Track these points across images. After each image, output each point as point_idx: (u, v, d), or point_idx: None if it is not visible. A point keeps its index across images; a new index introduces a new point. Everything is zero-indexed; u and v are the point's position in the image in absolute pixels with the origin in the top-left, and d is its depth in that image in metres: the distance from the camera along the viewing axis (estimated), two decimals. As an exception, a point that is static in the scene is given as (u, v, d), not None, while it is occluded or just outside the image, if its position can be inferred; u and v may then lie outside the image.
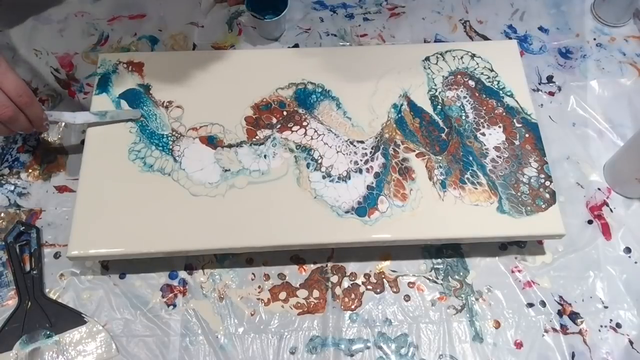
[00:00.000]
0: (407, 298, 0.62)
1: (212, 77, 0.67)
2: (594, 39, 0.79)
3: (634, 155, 0.63)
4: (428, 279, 0.63)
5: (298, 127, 0.64)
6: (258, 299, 0.61)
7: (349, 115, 0.65)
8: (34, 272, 0.61)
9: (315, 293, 0.62)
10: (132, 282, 0.62)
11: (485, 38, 0.78)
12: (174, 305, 0.61)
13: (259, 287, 0.62)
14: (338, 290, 0.62)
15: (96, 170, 0.61)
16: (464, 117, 0.65)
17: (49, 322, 0.59)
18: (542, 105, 0.73)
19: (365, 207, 0.59)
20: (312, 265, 0.63)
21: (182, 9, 0.80)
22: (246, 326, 0.60)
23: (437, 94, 0.67)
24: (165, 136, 0.63)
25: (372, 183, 0.61)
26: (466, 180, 0.61)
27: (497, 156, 0.63)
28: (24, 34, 0.78)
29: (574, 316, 0.61)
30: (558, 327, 0.60)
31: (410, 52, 0.70)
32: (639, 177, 0.63)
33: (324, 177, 0.61)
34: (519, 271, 0.63)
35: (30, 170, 0.68)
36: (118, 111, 0.64)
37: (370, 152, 0.63)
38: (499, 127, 0.64)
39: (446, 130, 0.64)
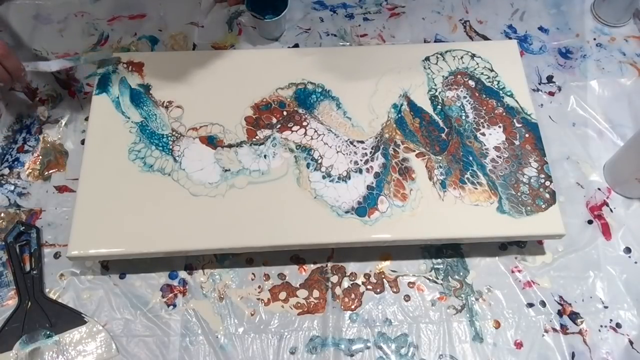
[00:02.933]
0: (407, 298, 0.62)
1: (212, 77, 0.67)
2: (594, 39, 0.79)
3: (634, 155, 0.63)
4: (428, 279, 0.63)
5: (298, 127, 0.64)
6: (258, 299, 0.61)
7: (349, 115, 0.65)
8: (34, 272, 0.61)
9: (315, 293, 0.62)
10: (132, 282, 0.62)
11: (485, 38, 0.78)
12: (174, 305, 0.61)
13: (259, 287, 0.62)
14: (338, 290, 0.62)
15: (96, 171, 0.61)
16: (464, 117, 0.65)
17: (49, 322, 0.59)
18: (542, 105, 0.73)
19: (365, 207, 0.59)
20: (312, 265, 0.63)
21: (182, 9, 0.80)
22: (246, 326, 0.60)
23: (437, 94, 0.67)
24: (165, 136, 0.63)
25: (372, 183, 0.61)
26: (466, 180, 0.61)
27: (497, 156, 0.63)
28: (24, 34, 0.78)
29: (574, 316, 0.61)
30: (558, 327, 0.60)
31: (410, 52, 0.70)
32: (639, 177, 0.63)
33: (324, 177, 0.61)
34: (519, 271, 0.63)
35: (30, 170, 0.68)
36: (91, 53, 0.67)
37: (370, 152, 0.63)
38: (499, 127, 0.64)
39: (446, 130, 0.64)
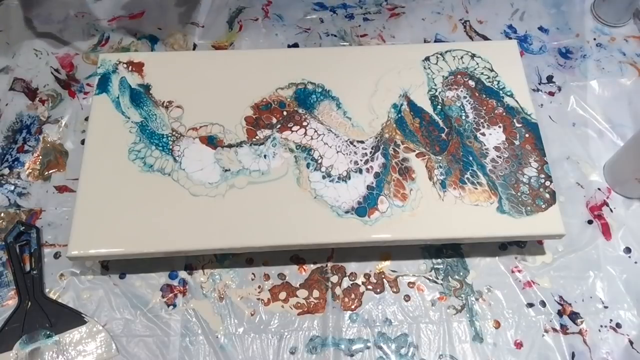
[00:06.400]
0: (407, 298, 0.62)
1: (212, 77, 0.67)
2: (594, 39, 0.79)
3: (634, 155, 0.63)
4: (428, 279, 0.63)
5: (298, 127, 0.64)
6: (258, 299, 0.61)
7: (349, 115, 0.65)
8: (34, 272, 0.61)
9: (315, 293, 0.62)
10: (132, 282, 0.62)
11: (485, 38, 0.78)
12: (174, 305, 0.61)
13: (259, 287, 0.62)
14: (338, 290, 0.62)
15: (96, 171, 0.61)
16: (464, 117, 0.65)
17: (49, 322, 0.59)
18: (542, 105, 0.73)
19: (365, 207, 0.59)
20: (312, 265, 0.63)
21: (182, 8, 0.80)
22: (246, 326, 0.60)
23: (437, 94, 0.67)
24: (165, 136, 0.63)
25: (372, 183, 0.61)
26: (466, 180, 0.61)
27: (497, 156, 0.63)
28: (24, 34, 0.78)
29: (574, 316, 0.61)
30: (558, 327, 0.60)
31: (410, 52, 0.70)
32: (639, 177, 0.63)
33: (324, 177, 0.61)
34: (519, 271, 0.63)
35: (30, 170, 0.68)
36: None
37: (370, 152, 0.63)
38: (499, 127, 0.64)
39: (446, 130, 0.64)
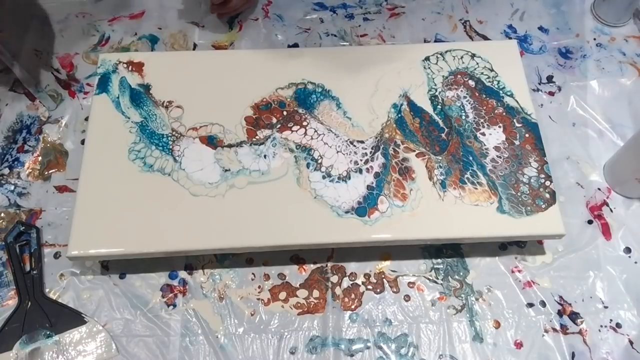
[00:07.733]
0: (407, 298, 0.62)
1: (212, 77, 0.67)
2: (594, 39, 0.79)
3: (634, 155, 0.63)
4: (428, 279, 0.63)
5: (298, 127, 0.64)
6: (258, 299, 0.61)
7: (349, 115, 0.65)
8: (34, 272, 0.61)
9: (315, 293, 0.62)
10: (132, 282, 0.62)
11: (485, 38, 0.78)
12: (174, 305, 0.61)
13: (259, 287, 0.62)
14: (338, 290, 0.62)
15: (96, 170, 0.61)
16: (464, 117, 0.65)
17: (49, 322, 0.59)
18: (542, 105, 0.73)
19: (365, 207, 0.59)
20: (312, 265, 0.63)
21: (182, 8, 0.80)
22: (246, 326, 0.60)
23: (437, 93, 0.67)
24: (165, 136, 0.63)
25: (372, 183, 0.61)
26: (466, 180, 0.61)
27: (497, 156, 0.63)
28: (24, 34, 0.78)
29: (574, 316, 0.61)
30: (558, 327, 0.60)
31: (410, 52, 0.70)
32: (639, 177, 0.63)
33: (324, 177, 0.61)
34: (519, 271, 0.63)
35: (30, 170, 0.68)
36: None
37: (370, 152, 0.63)
38: (499, 127, 0.64)
39: (446, 130, 0.64)
